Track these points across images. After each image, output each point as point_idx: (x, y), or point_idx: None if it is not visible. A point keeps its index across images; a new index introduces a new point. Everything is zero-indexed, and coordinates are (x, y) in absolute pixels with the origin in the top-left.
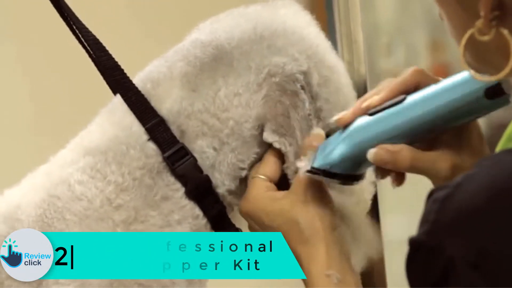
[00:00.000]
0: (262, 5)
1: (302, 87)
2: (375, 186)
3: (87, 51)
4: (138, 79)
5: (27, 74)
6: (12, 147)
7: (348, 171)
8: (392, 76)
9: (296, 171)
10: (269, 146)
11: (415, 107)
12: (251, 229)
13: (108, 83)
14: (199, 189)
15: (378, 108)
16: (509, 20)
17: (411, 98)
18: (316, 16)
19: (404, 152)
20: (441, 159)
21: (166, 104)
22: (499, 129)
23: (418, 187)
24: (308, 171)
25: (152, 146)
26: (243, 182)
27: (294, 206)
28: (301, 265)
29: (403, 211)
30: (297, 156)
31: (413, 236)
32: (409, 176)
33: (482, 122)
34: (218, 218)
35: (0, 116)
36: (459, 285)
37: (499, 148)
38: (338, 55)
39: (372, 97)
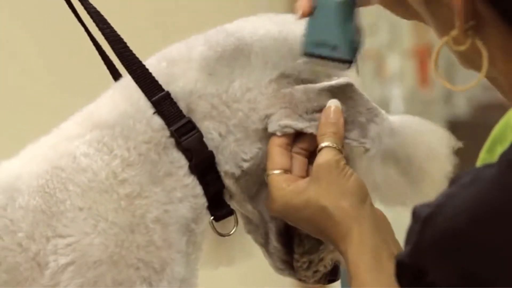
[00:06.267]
0: (291, 15)
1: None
2: None
3: (83, 24)
4: (153, 58)
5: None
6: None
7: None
8: (375, 56)
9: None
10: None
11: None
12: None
13: (104, 60)
14: (203, 164)
15: None
16: (484, 29)
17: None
18: None
19: None
20: None
21: (179, 83)
22: (480, 110)
23: None
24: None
25: (158, 121)
26: (244, 176)
27: (317, 192)
28: (340, 252)
29: None
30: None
31: (399, 255)
32: None
33: (463, 102)
34: (216, 198)
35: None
36: None
37: (482, 155)
38: None
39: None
